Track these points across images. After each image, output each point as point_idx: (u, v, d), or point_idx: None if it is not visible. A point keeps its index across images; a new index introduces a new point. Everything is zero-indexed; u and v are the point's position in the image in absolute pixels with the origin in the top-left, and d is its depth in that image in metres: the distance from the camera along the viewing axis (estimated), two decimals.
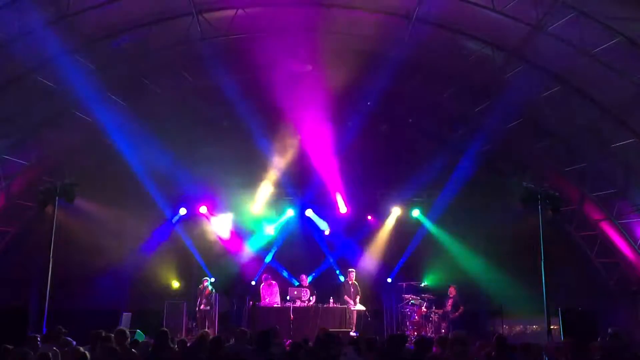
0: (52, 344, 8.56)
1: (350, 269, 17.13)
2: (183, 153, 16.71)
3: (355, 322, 15.97)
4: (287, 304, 15.93)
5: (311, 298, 16.20)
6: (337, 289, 16.94)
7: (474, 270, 17.39)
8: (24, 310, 14.70)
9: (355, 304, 16.35)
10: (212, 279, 17.18)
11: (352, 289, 16.62)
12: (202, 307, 16.50)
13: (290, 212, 18.77)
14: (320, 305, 16.02)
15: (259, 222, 18.71)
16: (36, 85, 14.21)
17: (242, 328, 10.00)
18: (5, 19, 12.33)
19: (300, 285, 16.75)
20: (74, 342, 8.23)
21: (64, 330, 9.41)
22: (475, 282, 17.26)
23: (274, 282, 16.93)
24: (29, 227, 16.62)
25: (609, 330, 10.91)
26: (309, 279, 17.67)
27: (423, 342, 8.23)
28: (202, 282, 16.85)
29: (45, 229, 13.17)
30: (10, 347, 7.59)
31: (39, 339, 9.12)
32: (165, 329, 9.01)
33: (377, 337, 9.21)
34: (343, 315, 15.80)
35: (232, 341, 9.33)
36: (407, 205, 18.68)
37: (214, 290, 16.73)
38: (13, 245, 16.65)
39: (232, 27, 14.39)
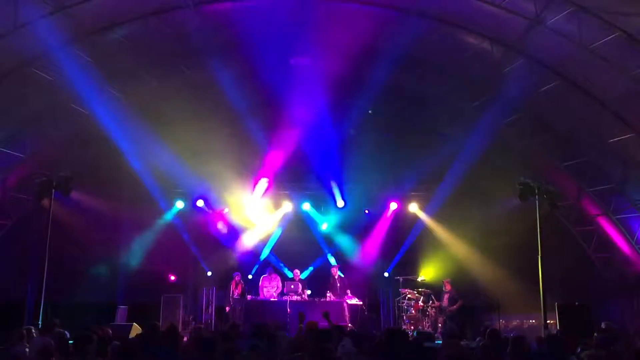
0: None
1: (332, 265, 17.21)
2: (180, 146, 16.65)
3: (349, 316, 15.96)
4: (284, 297, 15.95)
5: (302, 292, 16.27)
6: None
7: (471, 264, 17.44)
8: (19, 304, 14.74)
9: (344, 297, 16.35)
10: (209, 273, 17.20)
11: (339, 284, 16.64)
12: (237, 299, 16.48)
13: (287, 206, 18.76)
14: (317, 299, 16.06)
15: (256, 216, 18.70)
16: (33, 78, 14.14)
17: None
18: (3, 11, 12.25)
19: (293, 279, 16.79)
20: (67, 335, 8.17)
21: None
22: (472, 276, 17.31)
23: (276, 275, 16.96)
24: (25, 221, 16.57)
25: (602, 324, 10.97)
26: (306, 273, 17.70)
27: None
28: (234, 277, 16.78)
29: (41, 222, 13.14)
30: None
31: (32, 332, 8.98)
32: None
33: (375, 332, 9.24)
34: (340, 309, 15.81)
35: None
36: (405, 200, 18.68)
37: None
38: (9, 238, 16.60)
39: (230, 19, 14.32)
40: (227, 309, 16.51)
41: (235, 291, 16.45)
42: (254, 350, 6.83)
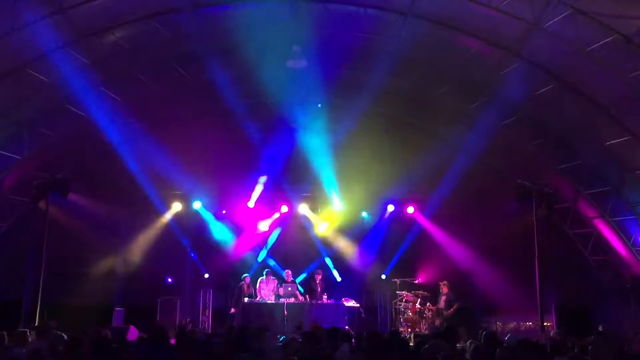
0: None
1: (317, 271, 17.21)
2: (177, 148, 16.64)
3: (346, 318, 15.95)
4: (281, 300, 15.92)
5: (297, 293, 16.27)
6: (331, 286, 17.04)
7: (468, 267, 17.43)
8: (16, 304, 14.71)
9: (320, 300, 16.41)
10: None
11: (319, 289, 16.67)
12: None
13: (284, 208, 18.74)
14: (314, 301, 16.05)
15: (253, 218, 18.68)
16: (30, 79, 14.09)
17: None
18: (1, 12, 12.21)
19: (285, 281, 16.79)
20: (65, 337, 8.16)
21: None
22: (470, 278, 17.30)
23: (273, 278, 16.95)
24: (22, 222, 16.53)
25: (599, 327, 10.99)
26: (303, 275, 17.70)
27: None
28: (243, 280, 16.73)
29: (38, 224, 13.10)
30: None
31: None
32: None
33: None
34: (337, 311, 15.81)
35: None
36: (402, 202, 18.67)
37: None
38: (6, 240, 16.55)
39: (227, 21, 14.32)
40: (233, 310, 16.42)
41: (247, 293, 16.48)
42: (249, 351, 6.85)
